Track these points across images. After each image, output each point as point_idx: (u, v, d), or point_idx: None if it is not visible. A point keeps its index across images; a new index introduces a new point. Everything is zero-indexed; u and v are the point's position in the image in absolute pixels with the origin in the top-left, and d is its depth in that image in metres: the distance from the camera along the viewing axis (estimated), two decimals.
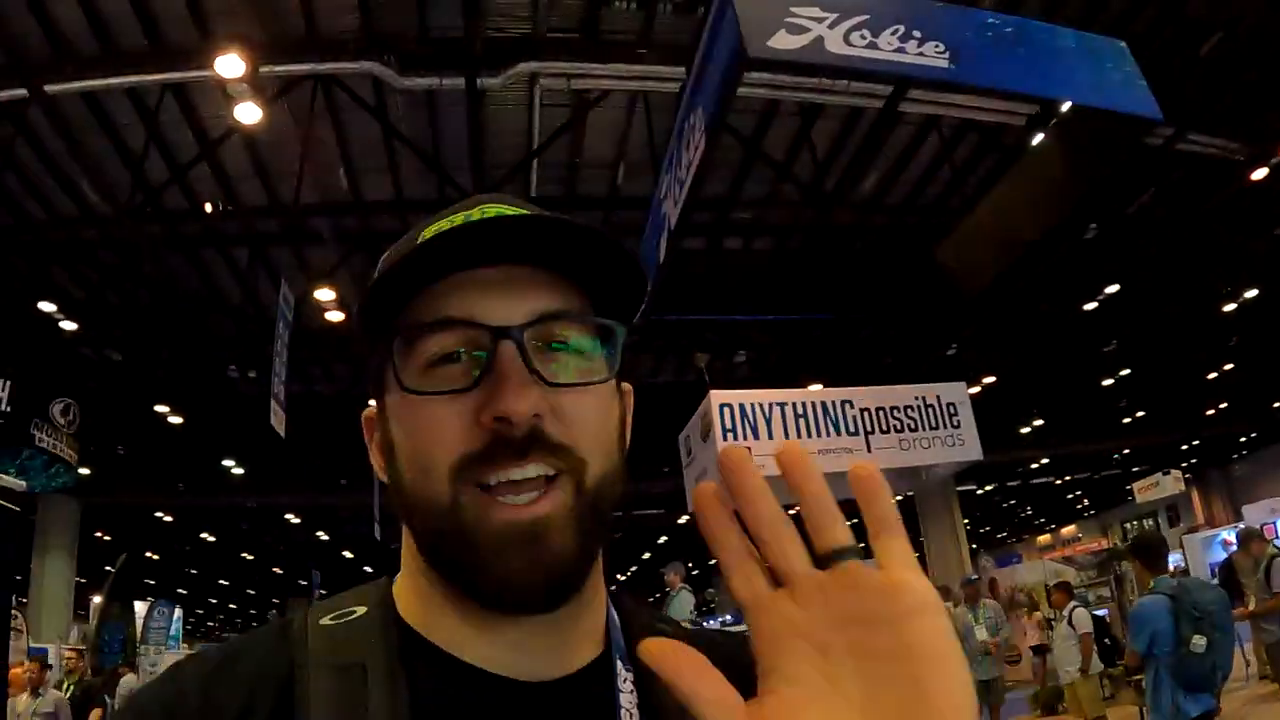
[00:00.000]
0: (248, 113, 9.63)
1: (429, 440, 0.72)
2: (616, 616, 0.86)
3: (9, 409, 12.99)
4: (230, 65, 8.93)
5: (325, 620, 0.79)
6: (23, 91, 9.52)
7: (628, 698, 0.78)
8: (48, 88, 9.50)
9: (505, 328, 0.71)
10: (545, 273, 0.75)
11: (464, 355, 0.73)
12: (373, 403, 0.83)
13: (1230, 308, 18.04)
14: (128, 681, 14.03)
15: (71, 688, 10.82)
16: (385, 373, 0.76)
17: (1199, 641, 5.62)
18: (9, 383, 13.07)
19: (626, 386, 0.84)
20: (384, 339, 0.75)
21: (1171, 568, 18.83)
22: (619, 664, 0.81)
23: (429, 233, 0.78)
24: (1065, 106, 8.35)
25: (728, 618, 32.10)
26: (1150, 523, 37.37)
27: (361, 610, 0.80)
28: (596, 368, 0.76)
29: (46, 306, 13.76)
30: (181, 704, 0.72)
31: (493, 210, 0.79)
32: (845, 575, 0.55)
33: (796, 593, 0.56)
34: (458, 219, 0.78)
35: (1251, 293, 17.41)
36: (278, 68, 9.63)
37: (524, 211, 0.79)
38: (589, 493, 0.73)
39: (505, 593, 0.71)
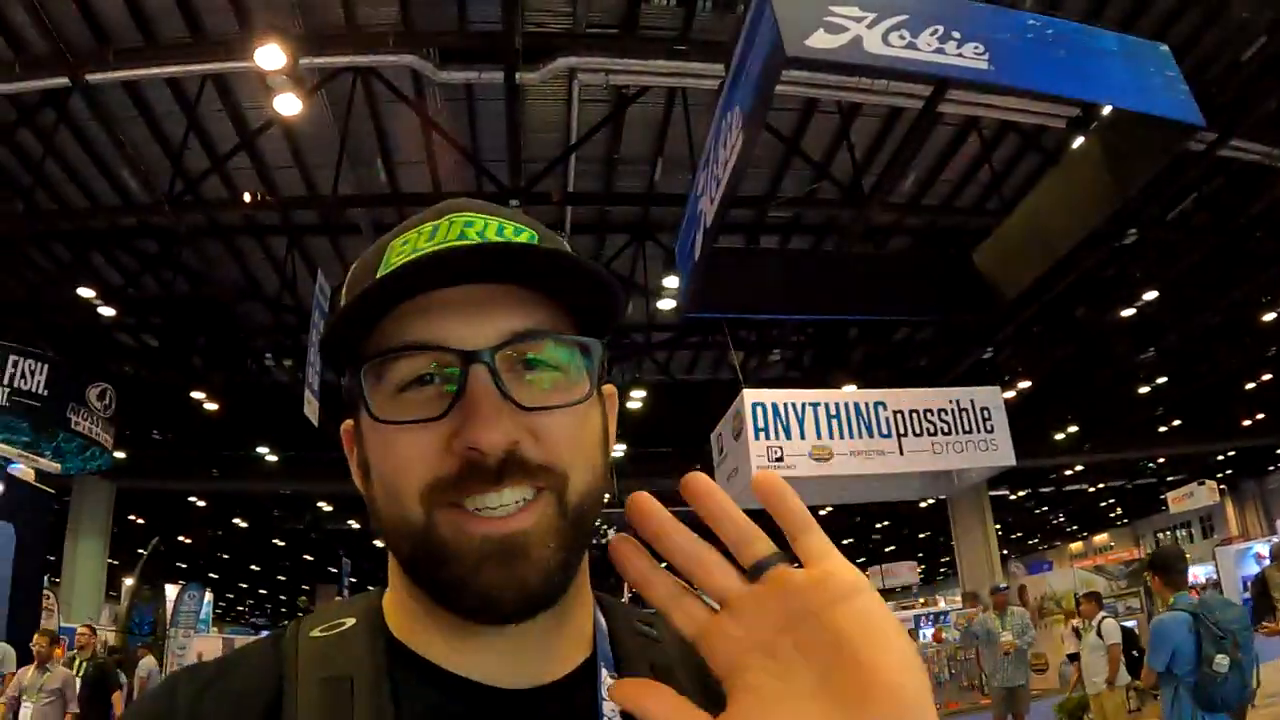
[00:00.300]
0: (287, 104, 9.70)
1: (401, 467, 0.71)
2: (604, 621, 0.85)
3: (46, 392, 13.15)
4: (270, 57, 9.00)
5: (315, 632, 0.79)
6: (65, 80, 9.64)
7: (611, 705, 0.77)
8: (89, 77, 9.62)
9: (475, 351, 0.69)
10: (516, 289, 0.73)
11: (436, 377, 0.72)
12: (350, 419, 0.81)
13: (1270, 317, 17.78)
14: (146, 664, 14.01)
15: (85, 664, 10.61)
16: (356, 395, 0.74)
17: (1222, 661, 5.48)
18: (46, 366, 13.23)
19: (608, 389, 0.82)
20: (352, 363, 0.74)
21: (1203, 580, 18.64)
22: (603, 670, 0.80)
23: (396, 245, 0.77)
24: (1106, 110, 8.25)
25: None
26: (1184, 533, 37.10)
27: (351, 622, 0.80)
28: (575, 382, 0.74)
29: (85, 292, 13.95)
30: (170, 718, 0.72)
31: (460, 220, 0.77)
32: (774, 581, 0.59)
33: (734, 610, 0.60)
34: (425, 229, 0.77)
35: None
36: (317, 60, 9.70)
37: (489, 218, 0.78)
38: (572, 507, 0.72)
39: (484, 606, 0.70)
